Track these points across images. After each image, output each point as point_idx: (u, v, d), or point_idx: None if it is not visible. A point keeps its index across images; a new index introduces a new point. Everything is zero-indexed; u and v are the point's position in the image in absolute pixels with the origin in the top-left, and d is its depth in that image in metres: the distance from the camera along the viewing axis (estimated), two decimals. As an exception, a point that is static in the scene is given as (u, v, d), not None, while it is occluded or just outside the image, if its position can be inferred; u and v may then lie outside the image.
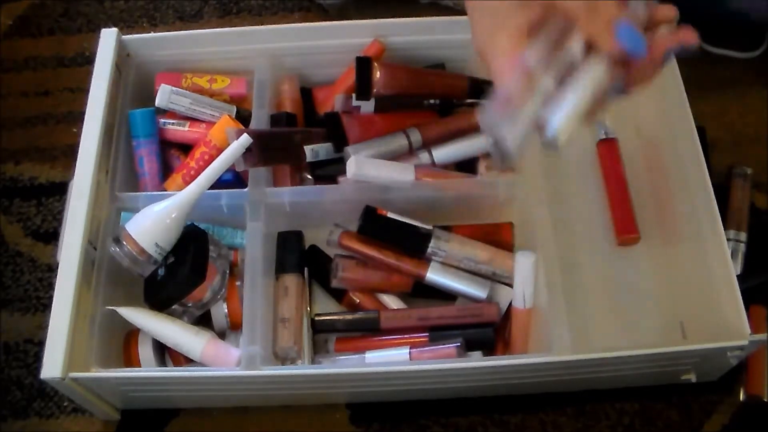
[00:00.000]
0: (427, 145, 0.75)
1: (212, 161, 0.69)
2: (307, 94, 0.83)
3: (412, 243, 0.71)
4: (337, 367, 0.69)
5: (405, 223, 0.72)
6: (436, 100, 0.78)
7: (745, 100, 0.87)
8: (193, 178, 0.70)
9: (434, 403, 0.72)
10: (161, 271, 0.69)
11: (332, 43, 0.80)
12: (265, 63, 0.79)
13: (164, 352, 0.71)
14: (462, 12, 0.87)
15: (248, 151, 0.69)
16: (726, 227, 0.72)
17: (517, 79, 0.52)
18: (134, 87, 0.79)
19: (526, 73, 0.52)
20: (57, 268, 0.67)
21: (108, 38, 0.78)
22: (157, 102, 0.77)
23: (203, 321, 0.72)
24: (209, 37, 0.80)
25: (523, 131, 0.52)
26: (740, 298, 0.65)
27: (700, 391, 0.72)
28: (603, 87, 0.52)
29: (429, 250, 0.71)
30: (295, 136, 0.74)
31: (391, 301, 0.73)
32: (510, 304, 0.70)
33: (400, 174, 0.72)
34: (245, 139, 0.68)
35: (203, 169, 0.69)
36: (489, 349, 0.70)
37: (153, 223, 0.67)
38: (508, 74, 0.52)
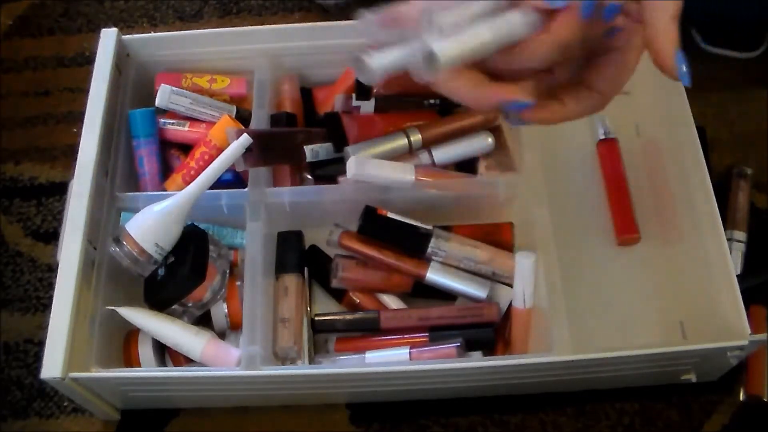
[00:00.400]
0: (427, 145, 0.75)
1: (212, 161, 0.69)
2: (307, 94, 0.83)
3: (412, 243, 0.71)
4: (337, 367, 0.69)
5: (405, 223, 0.72)
6: (436, 100, 0.78)
7: (745, 100, 0.87)
8: (193, 178, 0.70)
9: (434, 403, 0.72)
10: (161, 271, 0.69)
11: (332, 43, 0.80)
12: (265, 63, 0.79)
13: (164, 352, 0.71)
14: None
15: (248, 151, 0.69)
16: (726, 227, 0.72)
17: (417, 7, 0.46)
18: (134, 87, 0.79)
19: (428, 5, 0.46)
20: (57, 268, 0.67)
21: (108, 38, 0.78)
22: (157, 102, 0.77)
23: (203, 321, 0.72)
24: (209, 37, 0.80)
25: (398, 56, 0.46)
26: (740, 298, 0.65)
27: (700, 391, 0.72)
28: (512, 32, 0.46)
29: (429, 250, 0.71)
30: (295, 136, 0.74)
31: (391, 301, 0.73)
32: (510, 304, 0.70)
33: (400, 174, 0.72)
34: (245, 139, 0.68)
35: (203, 169, 0.69)
36: (489, 349, 0.70)
37: (153, 223, 0.67)
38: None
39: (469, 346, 0.68)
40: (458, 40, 0.45)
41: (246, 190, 0.73)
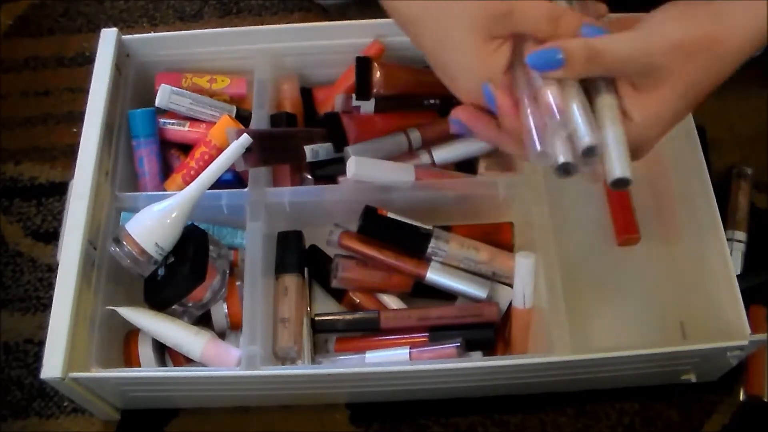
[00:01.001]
0: (427, 145, 0.75)
1: (212, 161, 0.69)
2: (307, 94, 0.83)
3: (412, 243, 0.71)
4: (337, 367, 0.69)
5: (405, 223, 0.72)
6: (436, 100, 0.78)
7: (745, 100, 0.87)
8: (193, 178, 0.70)
9: (434, 403, 0.72)
10: (161, 271, 0.69)
11: (332, 43, 0.80)
12: (265, 63, 0.79)
13: (164, 352, 0.71)
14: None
15: (248, 151, 0.69)
16: (726, 227, 0.72)
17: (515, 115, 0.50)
18: (134, 87, 0.79)
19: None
20: (57, 268, 0.67)
21: (108, 38, 0.78)
22: (157, 102, 0.77)
23: (203, 321, 0.72)
24: (209, 37, 0.80)
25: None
26: (740, 298, 0.65)
27: (700, 391, 0.72)
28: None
29: (429, 250, 0.71)
30: (295, 136, 0.74)
31: (391, 301, 0.73)
32: (510, 304, 0.70)
33: (400, 174, 0.72)
34: (245, 139, 0.68)
35: (203, 169, 0.69)
36: (489, 349, 0.70)
37: (153, 223, 0.67)
38: (508, 108, 0.50)
39: (469, 346, 0.68)
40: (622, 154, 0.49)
41: (246, 190, 0.73)
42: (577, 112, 0.49)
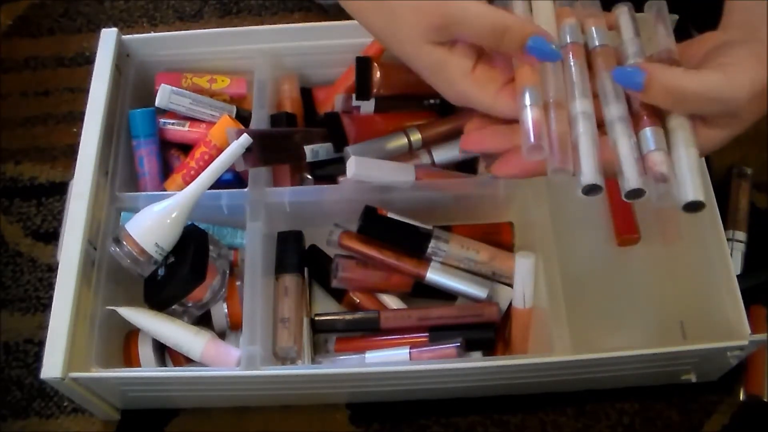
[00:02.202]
0: (427, 145, 0.75)
1: (212, 161, 0.69)
2: (307, 94, 0.83)
3: (412, 243, 0.71)
4: (337, 367, 0.69)
5: (405, 223, 0.72)
6: (436, 100, 0.78)
7: (745, 100, 0.87)
8: (193, 178, 0.70)
9: (434, 403, 0.72)
10: (161, 271, 0.69)
11: (332, 43, 0.80)
12: (265, 63, 0.79)
13: (164, 352, 0.71)
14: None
15: (248, 151, 0.69)
16: (726, 227, 0.72)
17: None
18: (134, 87, 0.79)
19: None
20: (57, 268, 0.67)
21: (108, 38, 0.78)
22: (157, 102, 0.77)
23: (203, 321, 0.72)
24: (209, 37, 0.80)
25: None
26: (740, 298, 0.65)
27: (700, 391, 0.72)
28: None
29: (429, 250, 0.71)
30: (295, 136, 0.74)
31: (391, 301, 0.73)
32: (510, 304, 0.70)
33: (400, 174, 0.72)
34: (245, 139, 0.68)
35: (203, 169, 0.69)
36: (489, 349, 0.70)
37: (153, 223, 0.67)
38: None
39: (469, 346, 0.68)
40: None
41: (246, 190, 0.73)
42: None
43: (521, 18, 0.52)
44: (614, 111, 0.50)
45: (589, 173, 0.48)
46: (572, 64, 0.51)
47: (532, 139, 0.48)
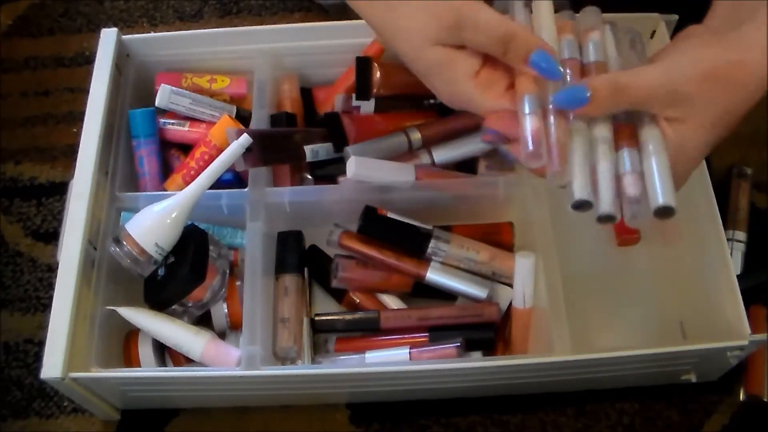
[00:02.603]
0: (427, 145, 0.75)
1: (212, 161, 0.69)
2: (307, 94, 0.83)
3: (412, 243, 0.71)
4: (337, 367, 0.69)
5: (405, 223, 0.72)
6: (436, 100, 0.78)
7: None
8: (193, 178, 0.70)
9: (434, 403, 0.72)
10: (161, 271, 0.69)
11: (332, 43, 0.80)
12: (265, 63, 0.79)
13: (164, 352, 0.71)
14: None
15: (248, 151, 0.69)
16: (726, 227, 0.72)
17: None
18: (134, 87, 0.79)
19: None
20: (57, 268, 0.67)
21: (108, 38, 0.78)
22: (157, 102, 0.77)
23: (203, 321, 0.72)
24: (209, 37, 0.80)
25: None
26: (740, 298, 0.65)
27: (700, 391, 0.72)
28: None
29: (429, 250, 0.71)
30: (295, 136, 0.74)
31: (391, 301, 0.73)
32: (510, 304, 0.70)
33: (400, 174, 0.72)
34: (245, 139, 0.68)
35: (203, 169, 0.69)
36: (489, 349, 0.70)
37: (153, 223, 0.67)
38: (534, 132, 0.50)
39: (469, 346, 0.68)
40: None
41: (246, 190, 0.73)
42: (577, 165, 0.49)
43: (528, 29, 0.53)
44: (597, 131, 0.50)
45: (578, 189, 0.49)
46: (569, 79, 0.52)
47: (530, 147, 0.49)
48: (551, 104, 0.50)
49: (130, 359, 0.70)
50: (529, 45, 0.50)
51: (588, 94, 0.48)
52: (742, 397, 0.72)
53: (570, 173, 0.49)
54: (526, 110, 0.50)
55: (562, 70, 0.51)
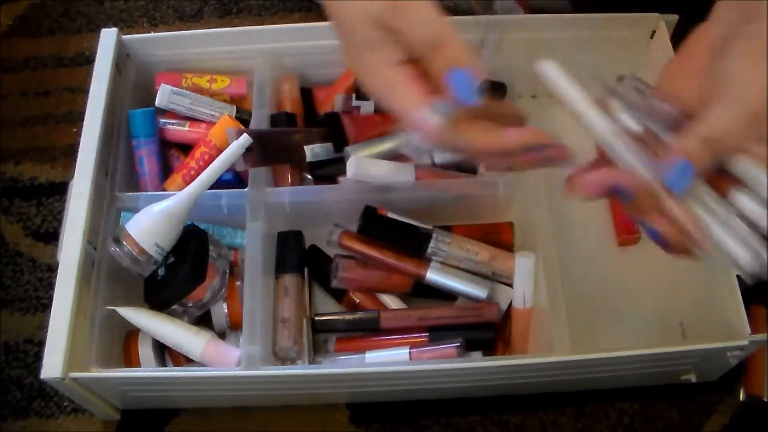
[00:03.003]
0: (427, 145, 0.75)
1: (212, 161, 0.69)
2: (307, 94, 0.83)
3: (412, 243, 0.71)
4: (337, 367, 0.69)
5: (405, 223, 0.72)
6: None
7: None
8: (193, 178, 0.70)
9: (434, 403, 0.72)
10: (161, 271, 0.69)
11: (332, 43, 0.78)
12: (265, 63, 0.79)
13: (164, 352, 0.71)
14: (462, 11, 0.87)
15: (248, 151, 0.69)
16: (726, 227, 0.72)
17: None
18: (134, 87, 0.79)
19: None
20: (57, 268, 0.67)
21: (108, 38, 0.78)
22: (157, 102, 0.77)
23: (203, 321, 0.72)
24: (209, 37, 0.80)
25: None
26: (740, 298, 0.65)
27: (700, 391, 0.72)
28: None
29: (429, 250, 0.71)
30: (295, 136, 0.74)
31: (391, 301, 0.73)
32: (510, 304, 0.70)
33: (400, 174, 0.72)
34: (245, 139, 0.68)
35: (203, 169, 0.69)
36: (489, 349, 0.70)
37: (153, 223, 0.67)
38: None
39: (469, 346, 0.68)
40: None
41: (246, 190, 0.73)
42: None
43: (463, 43, 0.49)
44: (701, 191, 0.47)
45: (744, 260, 0.46)
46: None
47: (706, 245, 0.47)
48: (671, 191, 0.46)
49: (130, 359, 0.70)
50: (456, 59, 0.47)
51: (691, 164, 0.45)
52: (742, 397, 0.72)
53: (720, 247, 0.47)
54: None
55: (479, 99, 0.47)
